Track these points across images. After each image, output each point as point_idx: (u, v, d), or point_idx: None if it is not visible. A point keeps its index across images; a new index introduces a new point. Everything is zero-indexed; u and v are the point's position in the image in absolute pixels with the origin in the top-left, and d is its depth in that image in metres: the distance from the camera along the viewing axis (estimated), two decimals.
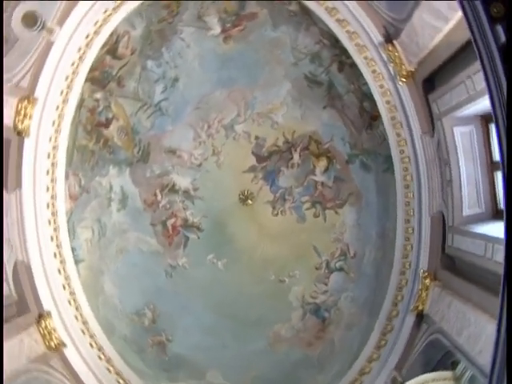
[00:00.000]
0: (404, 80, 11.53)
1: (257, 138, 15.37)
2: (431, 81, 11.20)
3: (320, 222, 15.11)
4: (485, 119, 10.35)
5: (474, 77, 9.02)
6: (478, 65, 7.15)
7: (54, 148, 11.64)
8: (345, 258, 14.59)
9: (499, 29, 6.61)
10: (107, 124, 13.85)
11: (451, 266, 11.32)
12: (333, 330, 14.09)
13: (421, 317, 11.74)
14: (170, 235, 15.26)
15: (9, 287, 10.67)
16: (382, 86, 11.99)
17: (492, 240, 9.34)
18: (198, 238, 15.49)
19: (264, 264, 15.29)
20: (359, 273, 14.20)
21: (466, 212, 10.81)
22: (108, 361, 12.12)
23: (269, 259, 15.32)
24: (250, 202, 15.58)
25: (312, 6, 11.95)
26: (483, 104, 9.10)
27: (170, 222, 15.28)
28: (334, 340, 13.91)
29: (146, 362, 13.40)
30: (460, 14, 7.26)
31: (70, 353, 11.39)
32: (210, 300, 14.94)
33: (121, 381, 12.18)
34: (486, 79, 7.21)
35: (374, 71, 11.95)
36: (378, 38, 11.53)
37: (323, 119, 14.66)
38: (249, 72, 14.55)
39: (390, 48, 11.35)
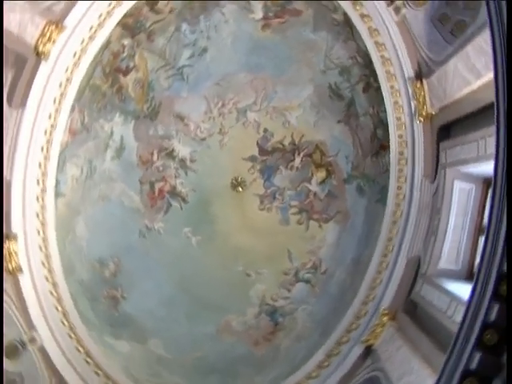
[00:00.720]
0: (422, 120, 11.55)
1: (265, 130, 15.30)
2: (447, 129, 11.19)
3: (302, 230, 15.11)
4: (486, 183, 10.36)
5: (488, 139, 9.03)
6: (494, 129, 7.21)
7: (68, 80, 11.58)
8: (315, 271, 14.60)
9: None
10: (126, 72, 13.73)
11: (412, 311, 11.39)
12: (282, 336, 14.12)
13: (369, 351, 11.83)
14: (154, 197, 15.21)
15: None
16: (399, 119, 12.02)
17: (457, 300, 9.39)
18: (181, 208, 15.45)
19: (236, 253, 15.28)
20: (324, 290, 14.23)
21: (442, 265, 10.88)
22: (59, 299, 12.04)
23: (242, 250, 15.29)
24: (240, 189, 15.55)
25: (356, 21, 11.89)
26: (489, 168, 9.07)
27: (158, 185, 15.22)
28: (280, 346, 13.94)
29: (95, 312, 13.34)
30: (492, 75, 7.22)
31: (24, 280, 11.32)
32: (175, 272, 14.93)
33: (65, 322, 12.10)
34: (497, 146, 7.25)
35: (396, 102, 11.96)
36: (409, 71, 11.51)
37: (334, 132, 14.61)
38: (277, 65, 14.43)
39: (418, 85, 11.34)
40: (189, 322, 14.42)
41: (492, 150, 7.89)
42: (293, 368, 12.92)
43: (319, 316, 13.87)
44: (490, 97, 8.27)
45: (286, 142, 15.27)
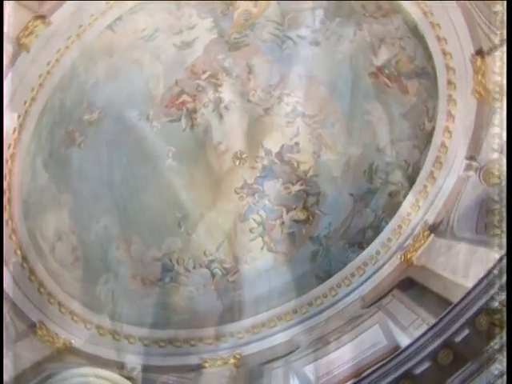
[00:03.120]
0: (402, 259, 11.75)
1: (297, 143, 15.23)
2: (411, 284, 11.32)
3: (247, 237, 15.20)
4: (395, 349, 10.25)
5: (423, 325, 9.36)
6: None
7: None
8: (225, 274, 14.80)
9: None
10: None
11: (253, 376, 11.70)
12: (156, 292, 14.29)
13: (199, 368, 12.49)
14: (174, 103, 15.05)
15: None
16: (389, 240, 12.42)
17: None
18: (184, 130, 15.31)
19: (187, 203, 15.33)
20: (216, 294, 14.45)
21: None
22: (33, 98, 11.32)
23: (193, 204, 15.37)
24: (237, 163, 15.57)
25: (432, 148, 11.97)
26: (405, 342, 9.24)
27: (185, 97, 15.05)
28: (147, 297, 14.11)
29: (49, 134, 12.72)
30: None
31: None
32: (133, 169, 14.91)
33: (21, 117, 11.55)
34: (422, 334, 7.41)
35: (400, 226, 12.43)
36: (430, 218, 11.75)
37: (340, 198, 14.61)
38: (353, 109, 14.27)
39: (425, 233, 11.65)
40: (107, 211, 14.35)
41: (418, 333, 8.17)
42: (136, 322, 13.32)
43: (195, 308, 14.15)
44: (456, 298, 8.30)
45: (301, 168, 15.22)
